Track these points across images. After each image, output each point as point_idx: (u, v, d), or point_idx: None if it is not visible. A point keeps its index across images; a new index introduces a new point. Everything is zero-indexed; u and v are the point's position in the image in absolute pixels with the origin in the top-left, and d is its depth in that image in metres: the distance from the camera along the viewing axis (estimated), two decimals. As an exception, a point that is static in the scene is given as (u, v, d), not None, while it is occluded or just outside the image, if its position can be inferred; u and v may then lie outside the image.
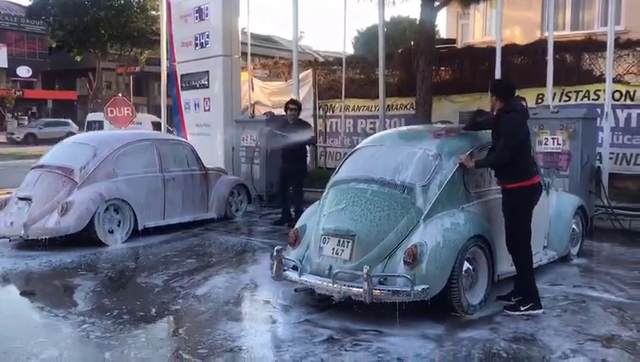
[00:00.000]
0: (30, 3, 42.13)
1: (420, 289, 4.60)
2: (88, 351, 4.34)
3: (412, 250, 4.72)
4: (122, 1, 37.90)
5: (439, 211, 5.00)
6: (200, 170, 9.21)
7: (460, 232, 4.90)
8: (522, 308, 4.99)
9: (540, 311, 5.00)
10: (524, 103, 5.69)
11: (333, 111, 13.62)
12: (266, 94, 15.25)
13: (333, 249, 5.01)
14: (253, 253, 7.40)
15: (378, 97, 11.80)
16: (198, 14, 13.03)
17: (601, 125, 8.81)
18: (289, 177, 9.11)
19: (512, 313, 4.98)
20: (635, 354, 4.18)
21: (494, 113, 5.25)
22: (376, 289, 4.62)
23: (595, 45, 10.40)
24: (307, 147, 9.23)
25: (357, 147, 6.07)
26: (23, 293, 6.02)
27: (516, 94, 5.37)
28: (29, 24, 48.12)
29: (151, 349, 4.39)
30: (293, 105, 9.31)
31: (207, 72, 12.85)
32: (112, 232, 7.86)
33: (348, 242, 4.95)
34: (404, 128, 7.43)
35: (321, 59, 17.82)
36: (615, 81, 9.45)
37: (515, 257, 5.16)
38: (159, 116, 17.65)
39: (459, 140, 5.53)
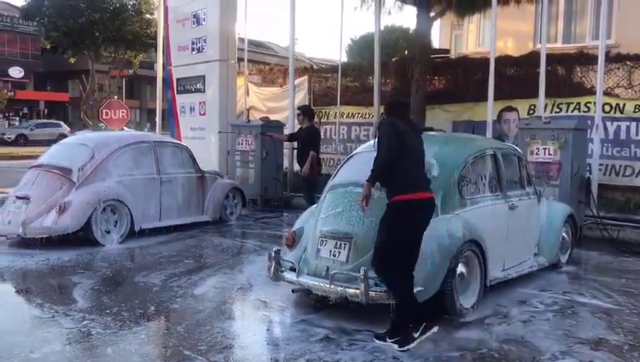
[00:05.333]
0: (25, 4, 42.06)
1: (414, 292, 4.72)
2: (90, 345, 4.42)
3: (407, 253, 4.83)
4: (117, 4, 38.02)
5: (434, 216, 5.12)
6: (196, 173, 9.30)
7: (454, 237, 5.01)
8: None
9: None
10: None
11: (327, 118, 13.68)
12: (260, 99, 15.38)
13: (331, 251, 5.12)
14: (249, 255, 7.49)
15: (372, 105, 11.96)
16: (195, 19, 13.18)
17: (591, 137, 9.00)
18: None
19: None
20: (621, 357, 4.32)
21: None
22: (372, 291, 4.72)
23: (586, 58, 10.59)
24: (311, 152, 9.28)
25: (354, 152, 6.20)
26: (22, 290, 6.09)
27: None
28: (22, 24, 48.02)
29: (152, 345, 4.49)
30: (298, 112, 9.81)
31: (204, 76, 12.99)
32: (108, 232, 7.93)
33: (345, 244, 5.05)
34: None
35: (315, 67, 17.98)
36: (605, 94, 9.64)
37: None
38: (153, 119, 17.75)
39: (456, 148, 5.68)
